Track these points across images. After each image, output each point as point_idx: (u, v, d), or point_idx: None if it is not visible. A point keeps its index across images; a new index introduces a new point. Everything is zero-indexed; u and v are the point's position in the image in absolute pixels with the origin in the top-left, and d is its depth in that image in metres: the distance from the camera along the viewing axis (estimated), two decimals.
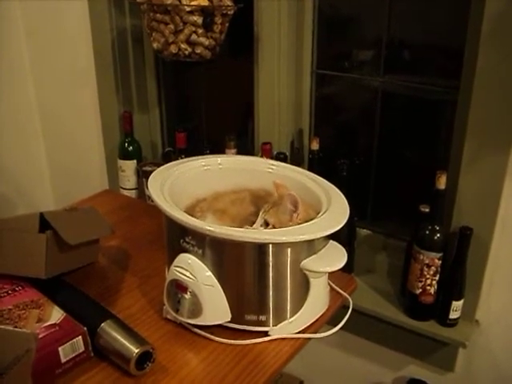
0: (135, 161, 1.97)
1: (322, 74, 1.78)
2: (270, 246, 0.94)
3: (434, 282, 1.48)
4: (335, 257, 1.00)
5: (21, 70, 2.24)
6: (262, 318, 1.00)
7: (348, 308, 1.11)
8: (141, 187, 1.95)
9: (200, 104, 2.08)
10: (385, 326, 1.62)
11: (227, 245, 0.95)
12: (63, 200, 2.26)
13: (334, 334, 1.06)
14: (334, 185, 1.10)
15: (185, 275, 0.98)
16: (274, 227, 1.02)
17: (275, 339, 1.01)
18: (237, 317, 1.00)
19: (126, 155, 1.98)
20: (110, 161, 2.12)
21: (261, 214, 1.05)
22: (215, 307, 0.99)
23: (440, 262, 1.46)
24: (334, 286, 1.16)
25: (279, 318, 1.01)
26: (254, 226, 1.05)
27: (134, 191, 2.00)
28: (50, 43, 2.14)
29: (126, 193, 1.99)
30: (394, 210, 1.83)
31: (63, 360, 0.92)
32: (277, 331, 1.01)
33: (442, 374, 1.66)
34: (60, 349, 0.91)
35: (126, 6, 1.93)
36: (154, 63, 2.05)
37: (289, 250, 0.96)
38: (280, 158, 1.69)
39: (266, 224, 1.03)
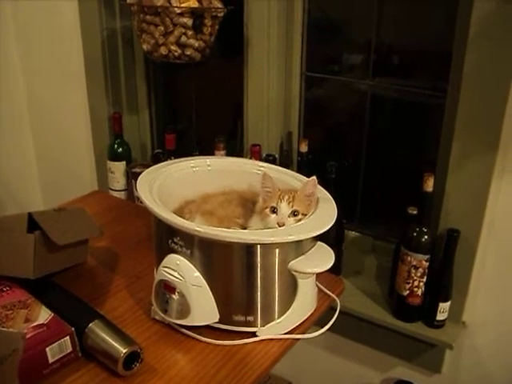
0: (124, 162, 1.97)
1: (311, 77, 1.79)
2: (258, 246, 0.95)
3: (421, 284, 1.49)
4: (323, 258, 1.01)
5: (11, 71, 2.24)
6: (250, 318, 1.01)
7: (336, 309, 1.12)
8: (130, 188, 1.95)
9: (190, 106, 2.08)
10: (372, 327, 1.63)
11: (215, 245, 0.96)
12: (52, 200, 2.26)
13: (322, 335, 1.06)
14: (323, 187, 1.11)
15: (173, 276, 0.98)
16: (303, 215, 1.02)
17: (263, 340, 1.01)
18: (225, 317, 1.00)
19: (115, 156, 1.97)
20: (100, 162, 2.12)
21: (285, 204, 1.03)
22: (203, 308, 0.99)
23: (427, 263, 1.47)
24: (321, 287, 1.16)
25: (267, 318, 1.02)
26: (279, 217, 1.03)
27: (123, 192, 1.99)
28: (41, 44, 2.13)
29: (115, 194, 1.98)
30: (383, 212, 1.84)
31: (51, 360, 0.91)
32: (265, 332, 1.02)
33: (429, 375, 1.67)
34: (47, 349, 0.91)
35: (116, 8, 1.93)
36: (144, 65, 2.05)
37: (277, 250, 0.96)
38: (269, 159, 1.70)
39: (294, 214, 1.02)
